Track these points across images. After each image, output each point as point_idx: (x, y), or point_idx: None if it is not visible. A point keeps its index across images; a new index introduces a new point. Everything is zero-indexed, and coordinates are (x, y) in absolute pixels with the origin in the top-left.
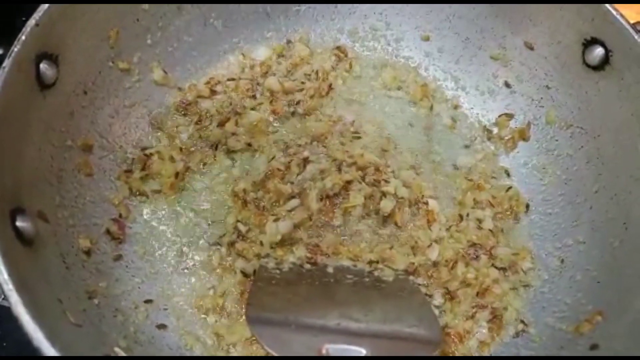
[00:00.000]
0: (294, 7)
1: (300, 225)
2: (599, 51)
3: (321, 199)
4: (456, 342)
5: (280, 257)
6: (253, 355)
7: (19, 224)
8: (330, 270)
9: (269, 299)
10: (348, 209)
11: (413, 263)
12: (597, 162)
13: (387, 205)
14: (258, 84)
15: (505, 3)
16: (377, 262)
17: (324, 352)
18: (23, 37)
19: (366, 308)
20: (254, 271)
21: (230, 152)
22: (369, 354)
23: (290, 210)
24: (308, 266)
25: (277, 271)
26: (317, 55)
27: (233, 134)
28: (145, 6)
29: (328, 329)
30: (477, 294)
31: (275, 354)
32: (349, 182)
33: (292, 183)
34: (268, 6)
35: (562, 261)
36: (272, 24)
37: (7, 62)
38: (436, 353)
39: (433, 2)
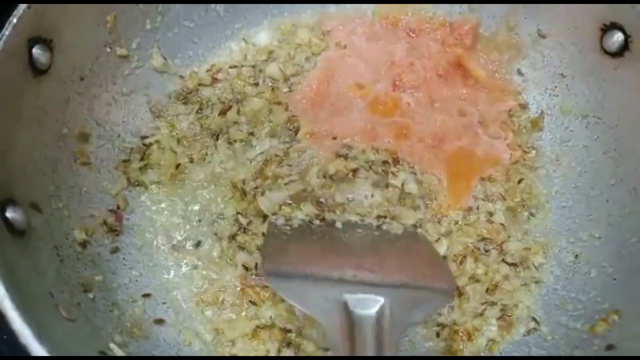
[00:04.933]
0: None
1: (295, 197)
2: (618, 37)
3: (324, 177)
4: (464, 340)
5: (289, 214)
6: (254, 351)
7: (9, 214)
8: (339, 225)
9: (283, 253)
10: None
11: (421, 218)
12: (614, 153)
13: (388, 197)
14: (260, 70)
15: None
16: (385, 217)
17: (343, 302)
18: (14, 21)
19: (379, 259)
20: (256, 264)
21: (231, 142)
22: (387, 302)
23: (287, 184)
24: (317, 222)
25: (287, 227)
26: (319, 40)
27: (235, 122)
28: None
29: (345, 280)
30: (487, 290)
31: (298, 306)
32: (355, 170)
33: (289, 166)
34: None
35: (577, 257)
36: (276, 9)
37: None
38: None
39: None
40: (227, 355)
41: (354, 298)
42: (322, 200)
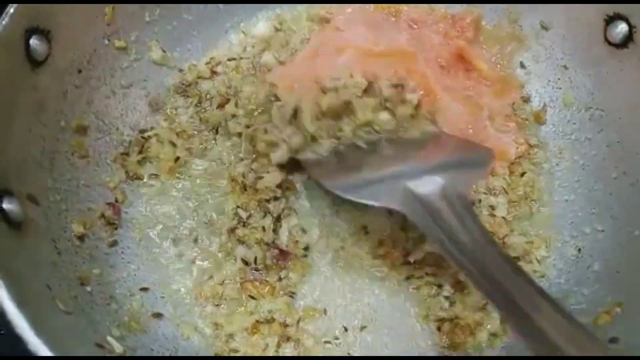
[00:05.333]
0: None
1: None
2: (622, 27)
3: (318, 119)
4: (466, 334)
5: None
6: (253, 346)
7: (5, 205)
8: (362, 144)
9: (332, 173)
10: (358, 127)
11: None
12: (617, 146)
13: (404, 110)
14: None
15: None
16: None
17: (409, 190)
18: (11, 10)
19: (417, 154)
20: (255, 258)
21: (230, 135)
22: (446, 179)
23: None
24: (341, 147)
25: (320, 156)
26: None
27: (233, 116)
28: None
29: (402, 172)
30: None
31: (375, 204)
32: (347, 102)
33: (277, 127)
34: None
35: (579, 250)
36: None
37: None
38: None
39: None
40: (227, 349)
41: (416, 183)
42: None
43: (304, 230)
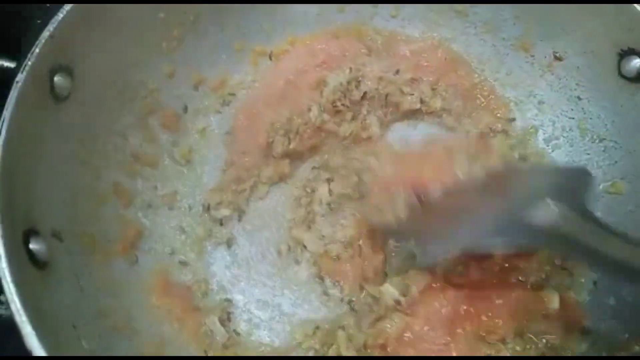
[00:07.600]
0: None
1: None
2: (636, 62)
3: None
4: None
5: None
6: None
7: (32, 246)
8: None
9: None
10: None
11: None
12: (632, 178)
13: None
14: None
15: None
16: None
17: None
18: (37, 50)
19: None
20: None
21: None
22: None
23: None
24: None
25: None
26: None
27: None
28: (162, 14)
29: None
30: None
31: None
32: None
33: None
34: None
35: (595, 283)
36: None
37: (20, 77)
38: None
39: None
40: None
41: (529, 213)
42: None
43: None
